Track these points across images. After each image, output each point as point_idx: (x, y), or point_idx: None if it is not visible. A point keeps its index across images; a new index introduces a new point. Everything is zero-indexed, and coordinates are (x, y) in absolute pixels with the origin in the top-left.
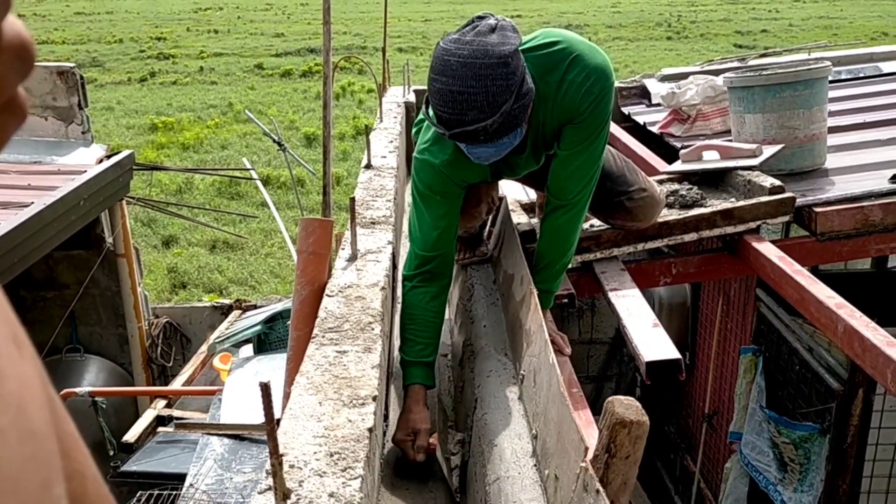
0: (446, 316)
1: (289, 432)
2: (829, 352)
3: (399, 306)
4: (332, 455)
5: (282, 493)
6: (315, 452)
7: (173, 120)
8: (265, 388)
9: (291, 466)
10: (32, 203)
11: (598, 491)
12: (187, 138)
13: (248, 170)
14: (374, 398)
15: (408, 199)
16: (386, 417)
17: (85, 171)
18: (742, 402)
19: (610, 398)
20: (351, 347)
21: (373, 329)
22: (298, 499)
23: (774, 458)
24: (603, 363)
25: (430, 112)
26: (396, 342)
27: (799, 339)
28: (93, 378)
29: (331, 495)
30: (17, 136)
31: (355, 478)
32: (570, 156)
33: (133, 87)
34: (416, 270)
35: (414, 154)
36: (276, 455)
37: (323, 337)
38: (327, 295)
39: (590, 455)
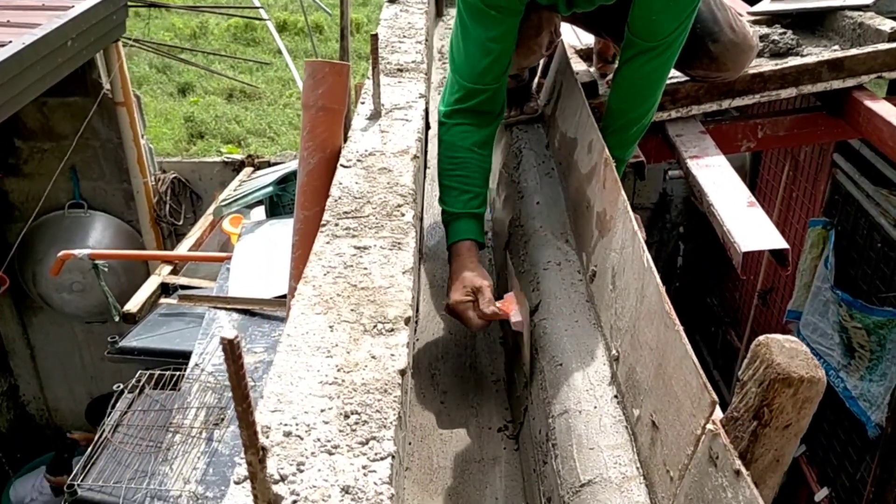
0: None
1: (286, 375)
2: None
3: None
4: (347, 416)
5: (265, 501)
6: (323, 410)
7: None
8: (231, 347)
9: (287, 434)
10: (10, 42)
11: (738, 472)
12: None
13: (257, 8)
14: (408, 320)
15: (437, 39)
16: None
17: (72, 7)
18: (805, 279)
19: (763, 337)
20: (374, 242)
21: (402, 215)
22: (296, 500)
23: (840, 342)
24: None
25: None
26: (429, 223)
27: (884, 212)
28: (98, 235)
29: (345, 490)
30: None
31: (382, 457)
32: None
33: None
34: (457, 105)
35: None
36: (253, 448)
37: (336, 225)
38: (342, 165)
39: (718, 413)
